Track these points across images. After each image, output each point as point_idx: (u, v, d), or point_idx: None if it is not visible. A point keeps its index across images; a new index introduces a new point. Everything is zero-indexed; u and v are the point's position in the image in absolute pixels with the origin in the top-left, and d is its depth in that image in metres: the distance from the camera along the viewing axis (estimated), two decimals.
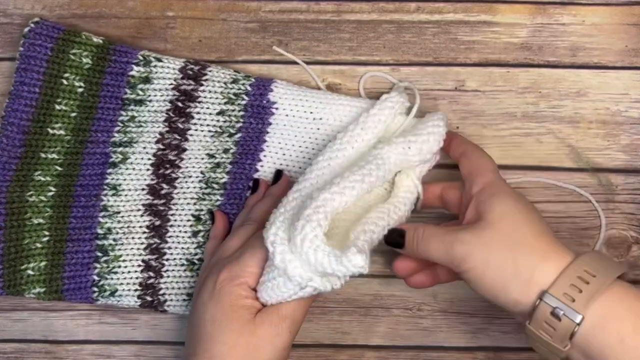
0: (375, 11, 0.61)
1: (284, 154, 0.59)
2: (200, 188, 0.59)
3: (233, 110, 0.59)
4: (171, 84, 0.59)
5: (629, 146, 0.60)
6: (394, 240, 0.53)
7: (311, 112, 0.59)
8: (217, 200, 0.59)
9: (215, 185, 0.59)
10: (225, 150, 0.59)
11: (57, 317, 0.60)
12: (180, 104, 0.59)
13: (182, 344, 0.60)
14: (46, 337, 0.60)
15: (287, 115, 0.59)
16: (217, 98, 0.59)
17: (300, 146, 0.59)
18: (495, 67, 0.61)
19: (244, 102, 0.59)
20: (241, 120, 0.59)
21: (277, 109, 0.59)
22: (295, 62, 0.61)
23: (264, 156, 0.59)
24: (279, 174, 0.58)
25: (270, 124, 0.59)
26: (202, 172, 0.59)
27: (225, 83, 0.59)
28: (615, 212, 0.59)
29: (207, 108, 0.59)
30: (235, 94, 0.59)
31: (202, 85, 0.59)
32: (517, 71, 0.61)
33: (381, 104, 0.56)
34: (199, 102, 0.59)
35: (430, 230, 0.52)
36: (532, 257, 0.48)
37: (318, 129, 0.59)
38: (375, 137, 0.55)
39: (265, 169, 0.59)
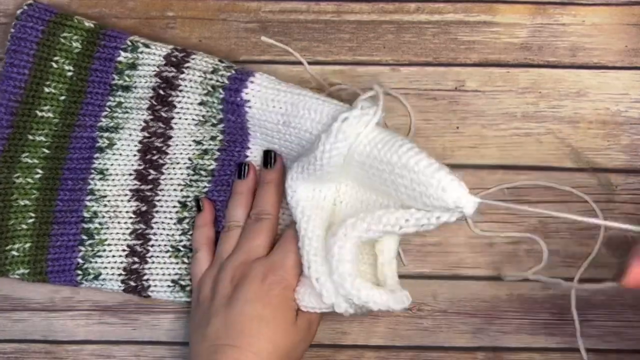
0: (375, 12, 0.61)
1: (271, 139, 0.58)
2: (188, 175, 0.59)
3: (213, 103, 0.58)
4: (154, 70, 0.59)
5: (629, 146, 0.60)
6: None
7: (282, 115, 0.55)
8: (205, 187, 0.59)
9: (202, 172, 0.59)
10: (213, 138, 0.59)
11: (57, 317, 0.60)
12: (162, 92, 0.59)
13: (182, 344, 0.60)
14: (46, 337, 0.60)
15: (259, 116, 0.57)
16: (197, 88, 0.58)
17: (283, 136, 0.57)
18: (495, 67, 0.61)
19: (220, 96, 0.58)
20: (221, 112, 0.58)
21: (250, 107, 0.57)
22: (295, 62, 0.61)
23: (252, 144, 0.59)
24: (268, 154, 0.58)
25: (247, 120, 0.58)
26: (189, 159, 0.59)
27: (204, 72, 0.58)
28: (615, 212, 0.59)
29: (188, 98, 0.59)
30: (213, 86, 0.58)
31: (182, 72, 0.58)
32: (517, 71, 0.61)
33: (338, 129, 0.51)
34: (180, 91, 0.59)
35: None
36: None
37: (287, 131, 0.56)
38: (344, 152, 0.52)
39: (255, 154, 0.59)
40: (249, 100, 0.57)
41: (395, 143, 0.51)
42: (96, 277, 0.58)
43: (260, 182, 0.58)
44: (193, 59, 0.58)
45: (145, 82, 0.59)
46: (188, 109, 0.59)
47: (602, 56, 0.61)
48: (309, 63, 0.61)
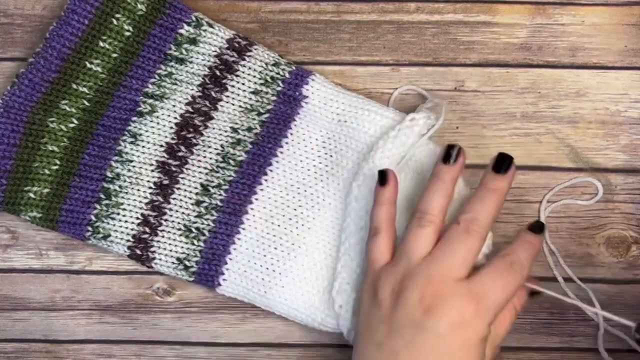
0: (375, 12, 0.61)
1: (305, 146, 0.59)
2: (216, 161, 0.59)
3: (266, 93, 0.59)
4: (215, 51, 0.59)
5: (628, 146, 0.60)
6: None
7: (337, 114, 0.59)
8: (230, 176, 0.59)
9: (231, 162, 0.59)
10: (249, 129, 0.59)
11: (57, 316, 0.60)
12: (218, 73, 0.59)
13: (182, 344, 0.60)
14: (47, 336, 0.60)
15: (315, 111, 0.59)
16: (254, 77, 0.59)
17: (324, 142, 0.59)
18: (494, 68, 0.61)
19: (278, 88, 0.59)
20: (272, 103, 0.59)
21: (307, 103, 0.59)
22: (294, 62, 0.61)
23: (286, 143, 0.59)
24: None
25: (298, 113, 0.59)
26: (221, 146, 0.59)
27: (266, 64, 0.59)
28: (614, 212, 0.60)
29: (243, 84, 0.59)
30: (272, 78, 0.59)
31: (244, 59, 0.59)
32: (517, 71, 0.61)
33: (402, 125, 0.57)
34: (237, 76, 0.59)
35: None
36: None
37: (342, 130, 0.59)
38: (400, 157, 0.56)
39: (284, 156, 0.59)
40: (307, 97, 0.59)
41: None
42: (105, 237, 0.59)
43: (483, 185, 0.51)
44: (256, 49, 0.59)
45: (203, 60, 0.59)
46: (239, 94, 0.59)
47: (602, 56, 0.61)
48: (309, 63, 0.61)
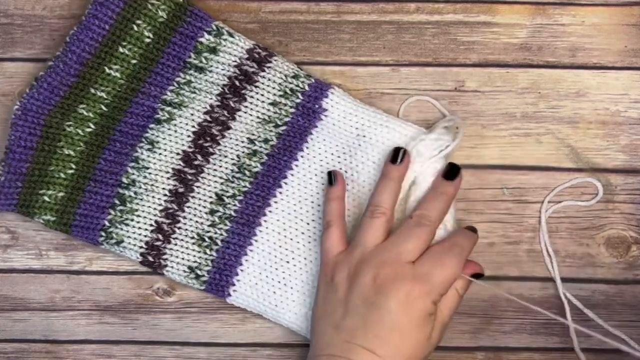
0: (375, 12, 0.61)
1: (321, 160, 0.59)
2: (232, 171, 0.59)
3: (285, 105, 0.59)
4: (235, 61, 0.59)
5: (628, 146, 0.60)
6: None
7: (356, 128, 0.59)
8: (245, 187, 0.59)
9: (247, 172, 0.59)
10: (266, 141, 0.59)
11: (57, 317, 0.61)
12: (237, 83, 0.59)
13: (182, 344, 0.60)
14: (47, 337, 0.60)
15: (333, 124, 0.59)
16: (273, 88, 0.59)
17: (339, 157, 0.59)
18: (494, 68, 0.61)
19: (297, 101, 0.59)
20: (290, 115, 0.59)
21: (326, 116, 0.59)
22: (294, 63, 0.61)
23: (301, 156, 0.59)
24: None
25: (316, 127, 0.59)
26: (238, 156, 0.59)
27: (285, 75, 0.59)
28: (614, 212, 0.60)
29: (262, 95, 0.59)
30: (291, 90, 0.59)
31: (263, 70, 0.59)
32: (517, 71, 0.61)
33: (417, 142, 0.57)
34: (256, 87, 0.59)
35: None
36: None
37: (360, 145, 0.59)
38: (413, 174, 0.57)
39: (300, 169, 0.59)
40: (326, 110, 0.59)
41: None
42: (118, 243, 0.59)
43: (435, 189, 0.56)
44: (275, 60, 0.59)
45: (223, 69, 0.59)
46: (257, 105, 0.59)
47: (602, 56, 0.61)
48: (309, 63, 0.61)
